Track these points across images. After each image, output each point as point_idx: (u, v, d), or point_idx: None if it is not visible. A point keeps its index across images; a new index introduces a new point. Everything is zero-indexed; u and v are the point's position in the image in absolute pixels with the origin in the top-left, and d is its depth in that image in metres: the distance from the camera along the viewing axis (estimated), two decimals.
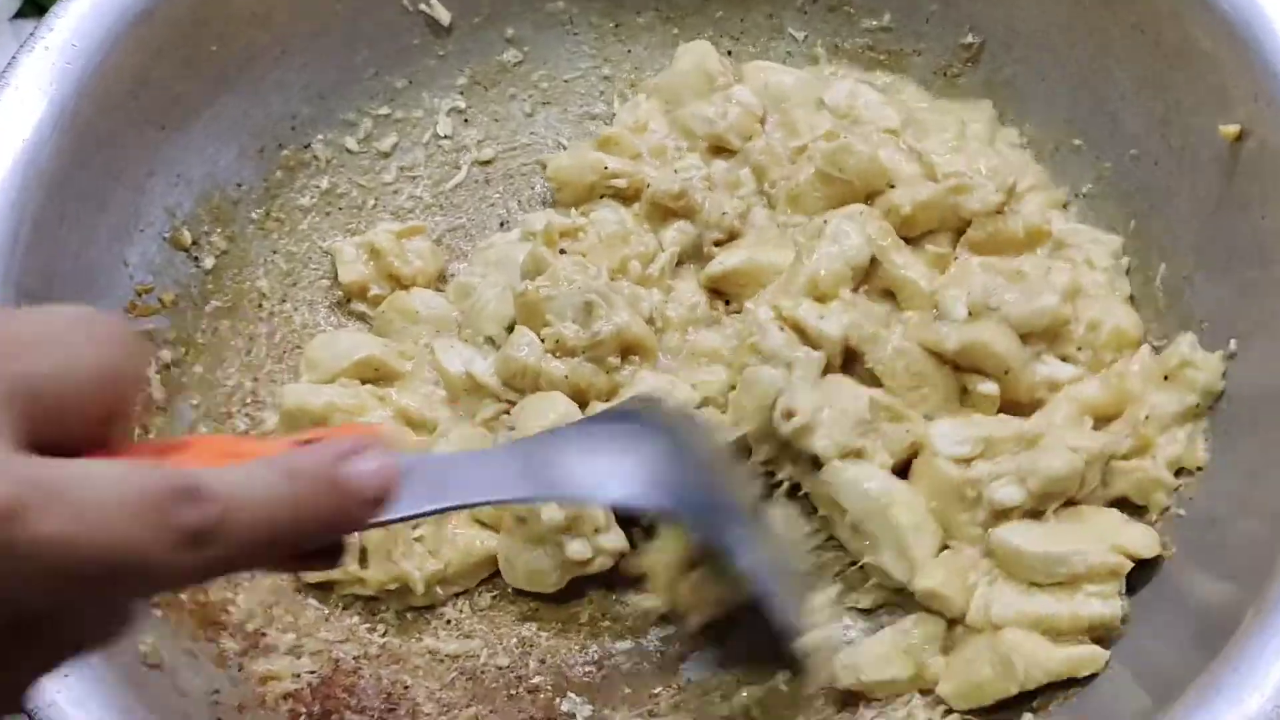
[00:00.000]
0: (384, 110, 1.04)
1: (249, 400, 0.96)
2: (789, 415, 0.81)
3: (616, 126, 1.00)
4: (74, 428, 0.45)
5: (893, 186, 0.88)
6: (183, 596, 0.86)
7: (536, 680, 0.87)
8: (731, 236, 0.93)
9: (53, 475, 0.41)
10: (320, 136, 1.03)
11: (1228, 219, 0.86)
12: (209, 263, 0.97)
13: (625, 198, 0.95)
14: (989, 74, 1.01)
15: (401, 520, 0.56)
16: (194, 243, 0.96)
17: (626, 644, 0.88)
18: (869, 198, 0.89)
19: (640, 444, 0.72)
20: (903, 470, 0.84)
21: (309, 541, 0.50)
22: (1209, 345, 0.85)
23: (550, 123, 1.07)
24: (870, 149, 0.88)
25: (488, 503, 0.80)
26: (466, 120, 1.06)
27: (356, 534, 0.67)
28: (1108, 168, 0.95)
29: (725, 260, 0.91)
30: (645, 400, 0.84)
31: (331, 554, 0.55)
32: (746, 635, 0.84)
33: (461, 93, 1.06)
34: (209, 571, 0.46)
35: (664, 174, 0.92)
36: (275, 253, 1.01)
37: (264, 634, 0.88)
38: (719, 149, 0.96)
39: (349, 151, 1.04)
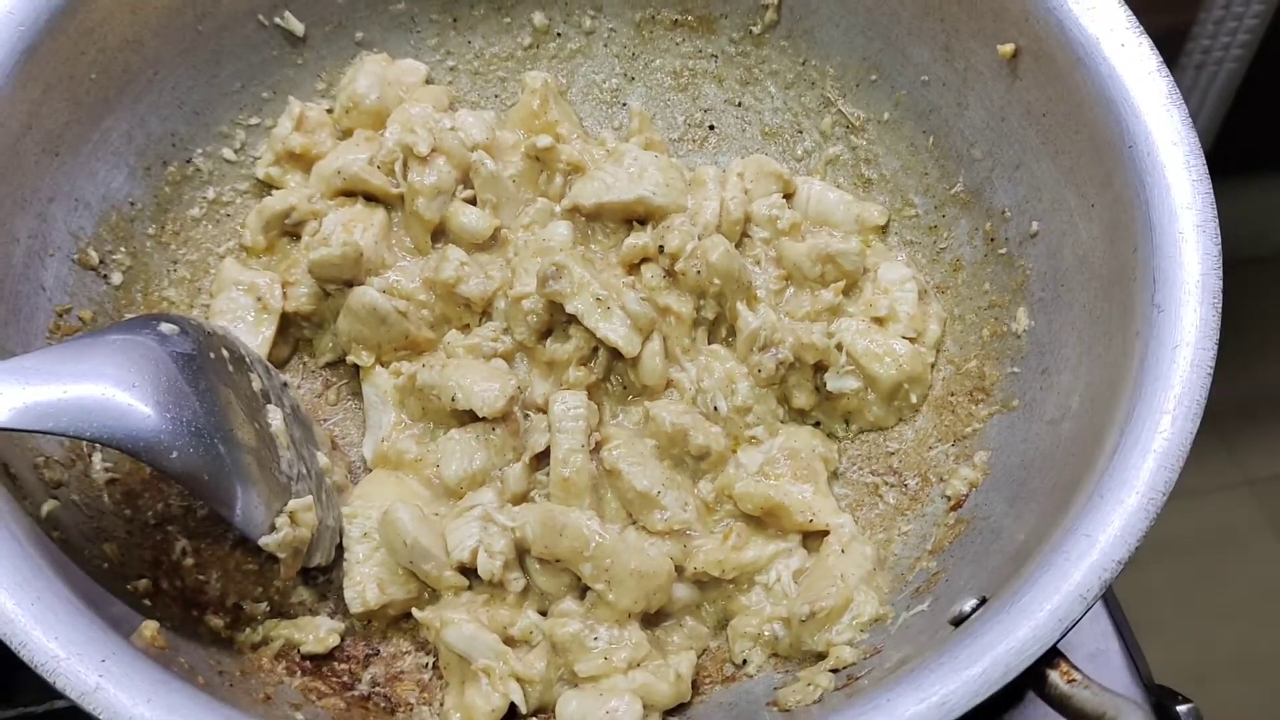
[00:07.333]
0: (254, 120, 1.11)
1: None
2: None
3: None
4: None
5: None
6: (163, 584, 0.92)
7: None
8: None
9: None
10: (200, 150, 1.08)
11: (1016, 123, 1.00)
12: (117, 279, 1.02)
13: None
14: (790, 28, 1.13)
15: None
16: (100, 261, 1.01)
17: None
18: None
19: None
20: None
21: None
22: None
23: None
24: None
25: None
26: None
27: None
28: (903, 95, 1.08)
29: None
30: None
31: None
32: None
33: (322, 95, 1.13)
34: None
35: None
36: (176, 263, 1.06)
37: (241, 607, 0.94)
38: None
39: (228, 161, 1.10)
